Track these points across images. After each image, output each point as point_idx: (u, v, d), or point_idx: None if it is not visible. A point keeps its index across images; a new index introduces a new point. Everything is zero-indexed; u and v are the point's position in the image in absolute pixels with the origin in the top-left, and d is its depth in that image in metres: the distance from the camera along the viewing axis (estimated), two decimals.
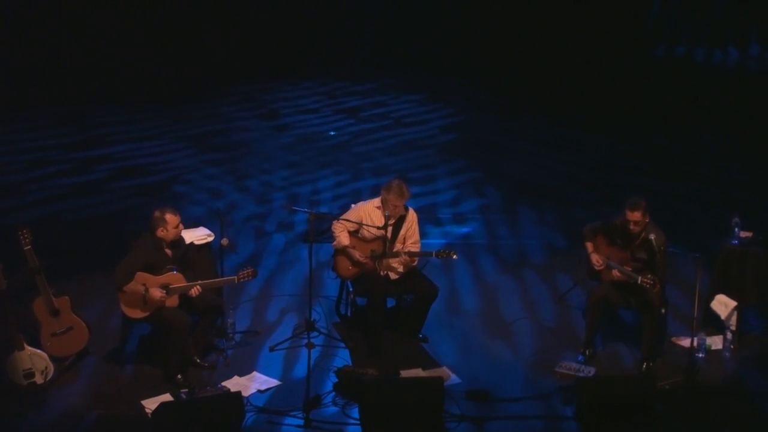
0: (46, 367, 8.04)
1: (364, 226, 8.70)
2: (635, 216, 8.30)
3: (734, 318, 8.90)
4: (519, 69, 19.85)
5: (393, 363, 8.41)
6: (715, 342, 8.84)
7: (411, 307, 8.95)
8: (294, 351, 8.77)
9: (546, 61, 20.00)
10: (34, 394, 7.96)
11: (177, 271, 8.10)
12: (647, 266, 8.35)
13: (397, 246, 8.71)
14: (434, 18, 21.06)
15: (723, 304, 8.96)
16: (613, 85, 18.92)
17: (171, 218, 8.06)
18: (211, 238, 9.15)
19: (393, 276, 8.77)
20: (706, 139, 15.71)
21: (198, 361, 8.38)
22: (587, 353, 8.57)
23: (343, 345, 8.88)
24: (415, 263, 8.77)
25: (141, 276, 8.01)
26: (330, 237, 8.91)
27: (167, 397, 7.83)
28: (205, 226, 9.38)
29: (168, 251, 8.15)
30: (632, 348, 8.70)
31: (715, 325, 9.02)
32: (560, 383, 8.24)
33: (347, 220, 8.72)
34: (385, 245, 8.64)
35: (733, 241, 9.10)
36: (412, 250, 8.72)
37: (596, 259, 8.58)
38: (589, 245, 8.69)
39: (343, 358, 8.65)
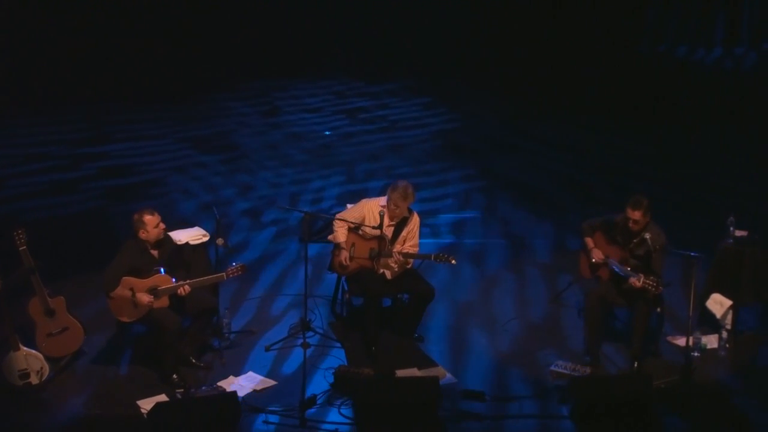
0: (42, 368, 8.04)
1: (362, 227, 8.70)
2: (636, 215, 8.31)
3: (729, 317, 8.92)
4: (521, 70, 19.84)
5: (389, 362, 8.41)
6: (711, 341, 8.85)
7: (407, 307, 8.95)
8: (289, 351, 8.77)
9: (546, 61, 20.04)
10: (29, 394, 7.96)
11: (165, 271, 8.08)
12: (645, 265, 8.35)
13: (397, 247, 8.72)
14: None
15: (718, 304, 8.97)
16: (612, 84, 18.91)
17: (149, 219, 8.03)
18: (206, 238, 9.14)
19: (389, 275, 8.77)
20: (702, 138, 15.70)
21: (194, 361, 8.38)
22: (590, 354, 8.53)
23: (338, 344, 8.89)
24: (410, 265, 8.77)
25: (128, 281, 7.99)
26: (325, 237, 8.92)
27: (163, 397, 7.82)
28: (200, 226, 9.39)
29: (154, 252, 8.13)
30: (628, 346, 8.69)
31: (711, 324, 9.04)
32: (556, 382, 8.25)
33: (345, 220, 8.72)
34: (383, 244, 8.64)
35: (729, 240, 9.11)
36: (410, 252, 8.73)
37: (597, 255, 8.56)
38: (589, 241, 8.69)
39: (338, 357, 8.65)
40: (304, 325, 8.74)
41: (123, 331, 8.39)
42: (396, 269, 8.74)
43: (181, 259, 8.42)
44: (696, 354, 8.60)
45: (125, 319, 8.12)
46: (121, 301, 8.02)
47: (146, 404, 7.65)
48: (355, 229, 8.77)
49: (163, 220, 8.18)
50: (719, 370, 8.57)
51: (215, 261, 8.98)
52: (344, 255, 8.69)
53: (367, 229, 8.69)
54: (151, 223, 8.03)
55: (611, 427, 7.54)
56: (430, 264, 9.26)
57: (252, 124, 16.64)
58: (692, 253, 8.22)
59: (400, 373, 8.23)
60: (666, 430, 7.72)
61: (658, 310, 8.60)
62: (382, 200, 8.75)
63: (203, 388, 7.98)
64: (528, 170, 14.18)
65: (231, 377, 8.27)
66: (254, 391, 8.10)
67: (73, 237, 11.33)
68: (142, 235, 8.04)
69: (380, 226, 8.61)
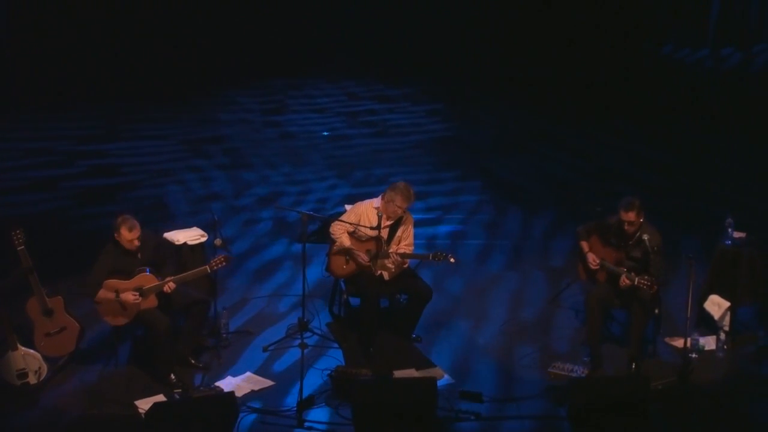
0: (40, 368, 8.04)
1: (359, 228, 8.70)
2: (629, 216, 8.31)
3: (727, 318, 8.92)
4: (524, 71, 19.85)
5: (386, 363, 8.41)
6: (709, 342, 8.85)
7: (405, 308, 8.95)
8: (287, 351, 8.77)
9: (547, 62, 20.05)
10: (27, 394, 7.96)
11: (150, 271, 8.06)
12: (642, 266, 8.36)
13: (393, 247, 8.72)
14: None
15: (716, 305, 8.97)
16: (613, 84, 18.92)
17: (124, 231, 7.98)
18: (204, 239, 9.14)
19: (387, 276, 8.77)
20: (700, 139, 15.71)
21: (192, 361, 8.38)
22: (593, 356, 8.52)
23: (336, 345, 8.89)
24: (407, 265, 8.77)
25: (111, 283, 7.99)
26: (322, 238, 8.91)
27: (160, 397, 7.83)
28: (198, 226, 9.39)
29: (137, 253, 8.13)
30: (626, 348, 8.69)
31: (709, 325, 9.04)
32: (553, 383, 8.25)
33: (344, 221, 8.72)
34: (380, 245, 8.64)
35: (727, 242, 9.11)
36: (407, 252, 8.73)
37: (592, 259, 8.58)
38: (584, 244, 8.70)
39: (336, 358, 8.65)
40: (302, 326, 8.74)
41: (120, 332, 8.38)
42: (393, 270, 8.74)
43: (169, 254, 8.38)
44: (694, 355, 8.60)
45: (118, 323, 8.12)
46: (107, 304, 8.02)
47: (144, 404, 7.65)
48: (350, 232, 8.76)
49: (142, 228, 8.11)
50: (717, 371, 8.57)
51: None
52: (362, 256, 8.67)
53: (367, 230, 8.68)
54: (125, 236, 7.99)
55: (609, 428, 7.52)
56: (428, 264, 9.28)
57: (253, 121, 16.70)
58: (690, 255, 8.22)
59: (398, 373, 8.23)
60: (663, 431, 7.72)
61: (656, 311, 8.60)
62: (376, 202, 8.74)
63: (201, 388, 7.99)
64: (528, 172, 14.20)
65: (229, 377, 8.27)
66: (252, 391, 8.10)
67: (72, 236, 11.33)
68: (118, 238, 8.04)
69: (378, 227, 8.61)
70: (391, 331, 8.94)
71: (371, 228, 8.63)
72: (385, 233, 8.68)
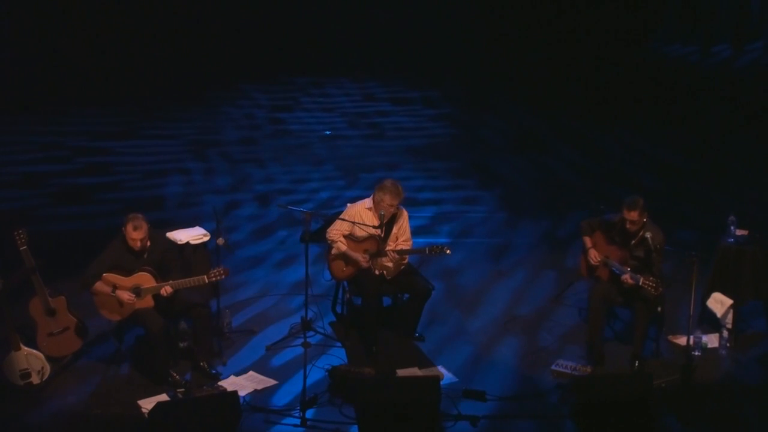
0: (43, 367, 8.05)
1: (360, 226, 8.69)
2: (632, 215, 8.30)
3: (730, 316, 8.91)
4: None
5: (389, 362, 8.42)
6: (712, 340, 8.85)
7: (405, 306, 8.95)
8: (290, 350, 8.78)
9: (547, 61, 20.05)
10: (30, 394, 7.97)
11: (150, 272, 8.04)
12: (644, 265, 8.35)
13: (390, 245, 8.71)
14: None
15: (719, 303, 8.97)
16: (617, 82, 18.91)
17: (130, 230, 7.98)
18: (206, 238, 9.15)
19: (387, 275, 8.76)
20: (703, 137, 15.70)
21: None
22: (595, 354, 8.52)
23: (339, 344, 8.89)
24: (406, 261, 8.76)
25: (110, 277, 8.00)
26: (322, 237, 8.90)
27: (163, 396, 7.83)
28: (201, 226, 9.39)
29: (143, 253, 8.13)
30: (629, 346, 8.69)
31: (712, 323, 9.03)
32: (557, 382, 8.25)
33: (343, 220, 8.72)
34: (378, 244, 8.64)
35: (730, 240, 9.10)
36: (404, 248, 8.72)
37: (594, 255, 8.57)
38: (588, 240, 8.69)
39: (339, 357, 8.65)
40: (305, 325, 8.75)
41: (123, 332, 8.38)
42: (392, 268, 8.73)
43: (177, 260, 8.35)
44: (697, 353, 8.59)
45: (113, 318, 8.13)
46: (103, 297, 8.02)
47: (147, 404, 7.66)
48: (347, 234, 8.75)
49: (155, 231, 8.14)
50: (720, 369, 8.56)
51: (216, 260, 8.97)
52: (360, 256, 8.67)
53: (368, 229, 8.68)
54: (129, 234, 7.98)
55: (612, 427, 7.53)
56: (431, 262, 9.27)
57: (256, 117, 16.69)
58: (693, 252, 8.22)
59: (401, 372, 8.23)
60: (667, 429, 7.71)
61: (659, 309, 8.59)
62: (367, 202, 8.73)
63: (204, 387, 7.99)
64: (527, 170, 14.22)
65: (232, 377, 8.27)
66: (255, 390, 8.10)
67: (75, 236, 11.34)
68: (125, 233, 8.05)
69: (381, 225, 8.60)
70: (393, 330, 8.94)
71: (374, 227, 8.62)
72: (382, 232, 8.68)
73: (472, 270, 10.54)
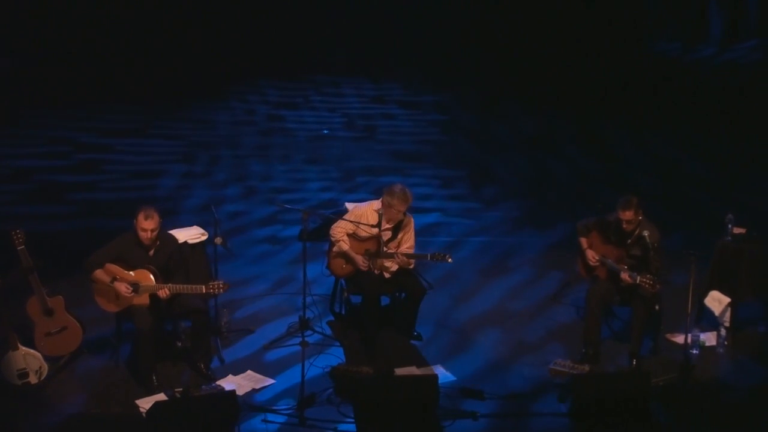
0: (40, 367, 8.04)
1: (361, 226, 8.70)
2: (627, 215, 8.31)
3: (728, 314, 8.92)
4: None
5: (387, 361, 8.42)
6: (709, 338, 8.86)
7: (402, 305, 8.96)
8: (288, 349, 8.77)
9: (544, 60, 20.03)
10: (28, 394, 7.96)
11: (151, 270, 8.02)
12: (642, 263, 8.36)
13: (392, 248, 8.71)
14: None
15: (717, 301, 8.98)
16: (610, 82, 18.90)
17: (141, 219, 7.96)
18: (204, 237, 9.13)
19: (386, 275, 8.77)
20: (700, 135, 15.71)
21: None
22: (591, 352, 8.54)
23: (337, 343, 8.89)
24: (412, 266, 8.77)
25: (112, 268, 7.99)
26: (321, 236, 8.91)
27: (161, 396, 7.81)
28: (199, 225, 9.38)
29: (148, 250, 8.12)
30: (627, 345, 8.69)
31: (709, 321, 9.04)
32: (555, 380, 8.25)
33: (344, 221, 8.72)
34: (379, 245, 8.64)
35: (727, 238, 9.11)
36: (408, 252, 8.73)
37: (591, 255, 8.59)
38: (584, 241, 8.71)
39: (337, 356, 8.65)
40: (303, 324, 8.75)
41: (121, 328, 8.37)
42: (394, 269, 8.74)
43: (182, 265, 8.31)
44: (695, 351, 8.60)
45: (106, 308, 8.13)
46: (102, 286, 8.02)
47: (145, 403, 7.65)
48: (350, 233, 8.76)
49: (160, 226, 8.09)
50: (718, 367, 8.57)
51: (214, 260, 8.97)
52: (359, 259, 8.68)
53: (367, 229, 8.68)
54: (140, 223, 7.97)
55: (610, 425, 7.54)
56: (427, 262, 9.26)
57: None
58: (691, 251, 8.22)
59: (399, 371, 8.23)
60: (664, 427, 7.72)
61: (657, 308, 8.60)
62: (375, 204, 8.74)
63: (202, 387, 7.98)
64: (526, 170, 14.21)
65: (230, 376, 8.26)
66: (253, 389, 8.10)
67: (73, 235, 11.33)
68: (136, 226, 8.03)
69: (378, 225, 8.61)
70: (391, 329, 8.94)
71: (371, 226, 8.63)
72: (387, 235, 8.68)
73: (471, 267, 10.54)
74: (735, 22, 21.62)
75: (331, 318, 9.32)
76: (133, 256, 8.05)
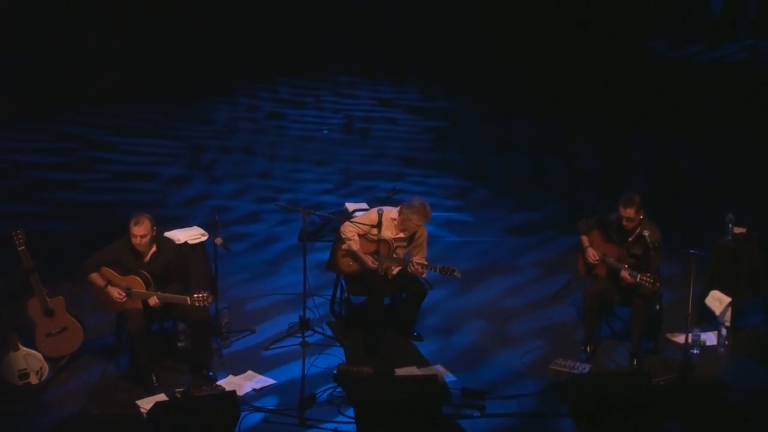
0: (41, 368, 8.04)
1: (362, 227, 8.71)
2: (629, 213, 8.32)
3: (729, 314, 8.92)
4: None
5: (388, 361, 8.42)
6: (710, 338, 8.86)
7: (403, 305, 8.96)
8: (289, 350, 8.77)
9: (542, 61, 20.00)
10: (29, 394, 7.96)
11: (143, 277, 8.01)
12: (642, 262, 8.36)
13: (400, 254, 8.75)
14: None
15: (717, 300, 8.98)
16: (609, 83, 18.88)
17: (132, 225, 7.99)
18: (204, 237, 9.13)
19: (389, 276, 8.78)
20: (701, 136, 15.70)
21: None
22: (588, 350, 8.56)
23: (337, 343, 8.89)
24: (424, 275, 8.77)
25: (107, 272, 8.02)
26: (322, 236, 8.91)
27: (162, 397, 7.82)
28: (199, 225, 9.38)
29: (143, 256, 8.11)
30: (627, 344, 8.70)
31: (710, 321, 9.04)
32: (555, 380, 8.25)
33: (356, 223, 8.73)
34: (389, 249, 8.65)
35: (728, 238, 9.11)
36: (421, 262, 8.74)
37: (592, 254, 8.59)
38: (585, 239, 8.71)
39: (337, 356, 8.65)
40: (303, 324, 8.75)
41: (122, 328, 8.37)
42: (394, 271, 8.75)
43: (181, 273, 8.30)
44: (695, 351, 8.60)
45: (105, 309, 8.18)
46: (96, 288, 8.06)
47: (145, 404, 7.65)
48: (363, 234, 8.77)
49: (154, 232, 8.09)
50: (718, 367, 8.57)
51: (214, 260, 8.98)
52: (369, 259, 8.69)
53: (370, 230, 8.71)
54: (131, 229, 8.00)
55: (610, 425, 7.53)
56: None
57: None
58: (691, 251, 8.23)
59: (399, 371, 8.23)
60: (665, 427, 7.72)
61: (657, 307, 8.61)
62: (393, 213, 8.75)
63: (203, 387, 7.98)
64: (526, 169, 14.21)
65: (230, 376, 8.27)
66: (253, 390, 8.10)
67: (74, 235, 11.33)
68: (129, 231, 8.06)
69: (378, 225, 8.62)
70: (392, 329, 8.94)
71: (372, 226, 8.64)
72: (389, 240, 8.69)
73: (471, 268, 10.54)
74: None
75: (332, 318, 9.31)
76: (128, 261, 8.07)
